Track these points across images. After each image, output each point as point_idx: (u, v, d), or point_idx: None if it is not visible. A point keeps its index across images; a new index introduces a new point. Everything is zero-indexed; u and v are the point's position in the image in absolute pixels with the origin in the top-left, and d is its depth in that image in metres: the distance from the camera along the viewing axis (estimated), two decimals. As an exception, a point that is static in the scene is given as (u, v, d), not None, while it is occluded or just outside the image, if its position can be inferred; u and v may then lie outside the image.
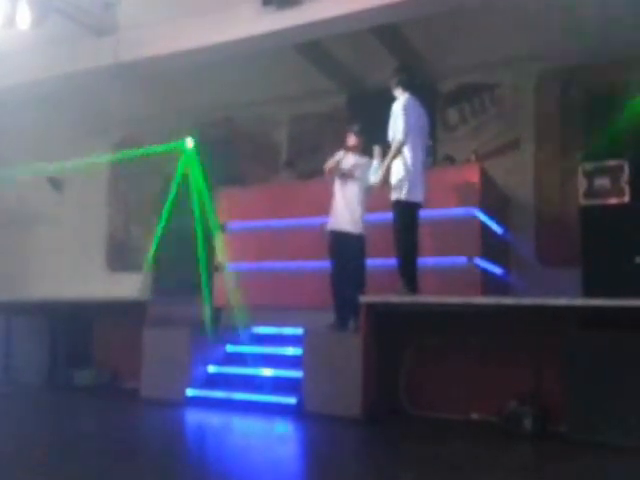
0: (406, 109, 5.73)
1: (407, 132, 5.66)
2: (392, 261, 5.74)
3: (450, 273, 6.18)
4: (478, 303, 5.37)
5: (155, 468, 3.95)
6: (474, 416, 5.52)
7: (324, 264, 6.21)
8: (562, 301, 4.94)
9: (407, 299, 5.50)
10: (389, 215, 5.80)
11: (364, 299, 5.59)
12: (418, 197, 5.70)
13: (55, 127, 9.68)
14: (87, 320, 7.92)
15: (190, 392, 6.24)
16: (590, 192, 6.17)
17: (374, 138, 6.13)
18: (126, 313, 7.24)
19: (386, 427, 5.37)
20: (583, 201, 5.77)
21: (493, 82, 8.19)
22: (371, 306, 5.58)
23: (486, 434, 5.09)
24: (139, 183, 9.97)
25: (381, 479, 3.87)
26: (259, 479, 3.82)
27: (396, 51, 7.58)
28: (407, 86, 5.85)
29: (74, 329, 7.82)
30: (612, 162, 5.77)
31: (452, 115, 8.46)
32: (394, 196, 5.69)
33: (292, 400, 5.72)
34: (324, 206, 6.29)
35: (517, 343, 5.43)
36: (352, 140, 6.27)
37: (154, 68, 7.50)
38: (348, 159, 6.15)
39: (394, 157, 5.68)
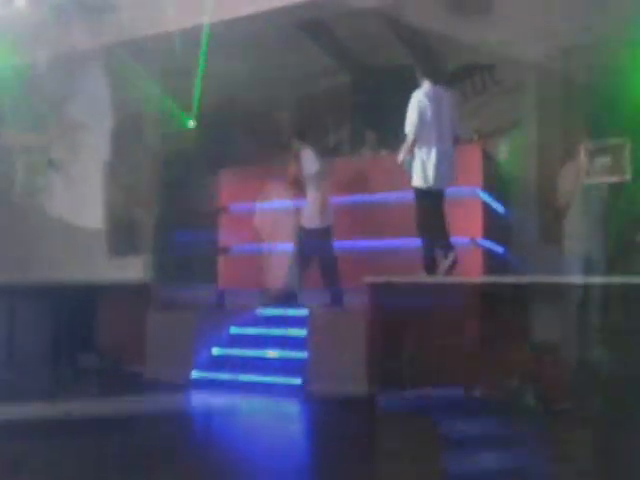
0: (412, 104, 5.69)
1: (413, 127, 5.65)
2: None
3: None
4: (479, 283, 5.41)
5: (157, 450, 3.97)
6: (476, 393, 5.57)
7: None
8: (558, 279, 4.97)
9: (408, 279, 5.53)
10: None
11: (368, 280, 5.62)
12: (417, 182, 5.71)
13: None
14: (91, 303, 7.94)
15: (195, 374, 6.30)
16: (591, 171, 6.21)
17: (379, 119, 6.14)
18: (130, 296, 7.26)
19: (391, 406, 5.41)
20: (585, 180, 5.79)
21: (494, 62, 8.12)
22: (375, 286, 5.61)
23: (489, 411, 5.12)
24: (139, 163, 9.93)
25: (385, 459, 3.91)
26: (262, 460, 3.85)
27: (399, 31, 7.52)
28: (428, 74, 5.82)
29: (78, 313, 7.84)
30: (613, 141, 5.78)
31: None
32: None
33: (297, 381, 5.77)
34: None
35: (519, 321, 5.47)
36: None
37: (157, 46, 7.40)
38: None
39: (406, 152, 5.70)
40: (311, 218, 6.49)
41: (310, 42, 7.72)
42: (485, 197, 6.47)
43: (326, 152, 7.19)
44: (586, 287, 5.75)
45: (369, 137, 7.46)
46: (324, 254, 6.42)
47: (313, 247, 6.41)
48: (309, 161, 6.57)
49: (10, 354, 7.91)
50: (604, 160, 6.64)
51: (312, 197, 6.52)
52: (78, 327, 7.79)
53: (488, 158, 6.67)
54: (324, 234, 6.44)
